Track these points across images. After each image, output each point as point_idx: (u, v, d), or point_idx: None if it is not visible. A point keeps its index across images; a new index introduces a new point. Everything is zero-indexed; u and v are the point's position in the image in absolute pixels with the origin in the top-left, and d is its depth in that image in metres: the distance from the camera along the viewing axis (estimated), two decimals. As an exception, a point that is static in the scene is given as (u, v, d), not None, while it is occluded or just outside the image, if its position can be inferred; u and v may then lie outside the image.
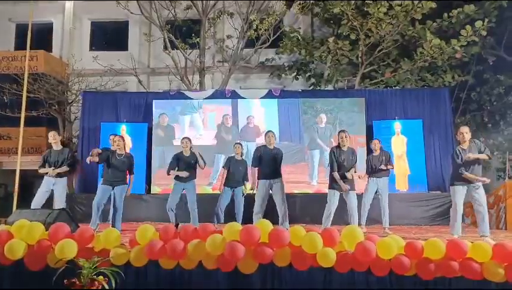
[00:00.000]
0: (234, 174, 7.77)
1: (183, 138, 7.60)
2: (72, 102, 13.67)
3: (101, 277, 3.93)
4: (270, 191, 6.91)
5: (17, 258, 4.46)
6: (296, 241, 4.37)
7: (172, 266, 4.43)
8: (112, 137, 7.50)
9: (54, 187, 7.11)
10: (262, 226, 4.47)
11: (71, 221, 5.43)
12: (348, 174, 6.53)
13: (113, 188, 6.95)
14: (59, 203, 7.05)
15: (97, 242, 4.54)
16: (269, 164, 6.91)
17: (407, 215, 9.02)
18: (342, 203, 6.66)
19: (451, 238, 4.51)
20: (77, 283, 3.84)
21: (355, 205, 6.58)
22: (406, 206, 9.14)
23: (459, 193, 6.04)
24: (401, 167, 9.65)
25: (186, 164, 7.39)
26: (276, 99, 10.35)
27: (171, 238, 4.44)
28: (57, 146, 7.28)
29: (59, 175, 7.12)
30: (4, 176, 14.63)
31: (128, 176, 7.18)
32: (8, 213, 6.12)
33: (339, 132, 6.80)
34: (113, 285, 3.92)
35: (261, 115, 10.31)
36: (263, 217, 6.34)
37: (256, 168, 7.03)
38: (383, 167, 7.57)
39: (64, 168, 7.12)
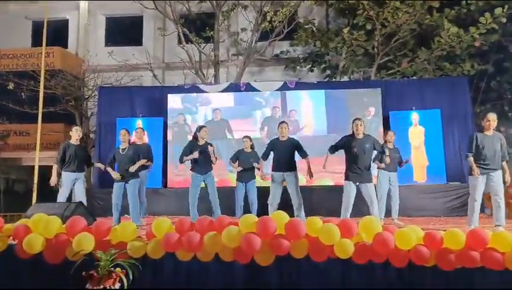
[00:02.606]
0: (245, 168, 7.79)
1: (202, 127, 7.34)
2: (88, 97, 13.83)
3: (118, 269, 3.95)
4: (285, 183, 6.83)
5: (35, 252, 4.51)
6: (313, 232, 4.32)
7: (189, 258, 4.43)
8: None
9: (75, 182, 7.04)
10: (278, 218, 4.43)
11: (88, 214, 5.47)
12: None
13: (125, 184, 6.86)
14: (81, 198, 6.99)
15: (114, 235, 4.55)
16: (281, 156, 6.81)
17: (425, 207, 8.89)
18: (361, 195, 6.50)
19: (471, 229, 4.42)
20: (95, 274, 3.86)
21: (373, 195, 6.33)
22: (425, 197, 9.01)
23: (478, 182, 5.90)
24: (419, 158, 9.51)
25: (200, 153, 7.08)
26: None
27: (187, 230, 4.44)
28: (77, 141, 7.23)
29: (79, 170, 7.09)
30: (24, 172, 14.88)
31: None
32: (28, 208, 6.19)
33: (353, 120, 6.52)
34: (131, 277, 3.94)
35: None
36: (279, 209, 6.27)
37: (264, 161, 7.05)
38: (402, 164, 7.61)
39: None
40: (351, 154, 6.34)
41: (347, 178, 6.39)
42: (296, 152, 6.93)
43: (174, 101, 10.37)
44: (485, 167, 5.87)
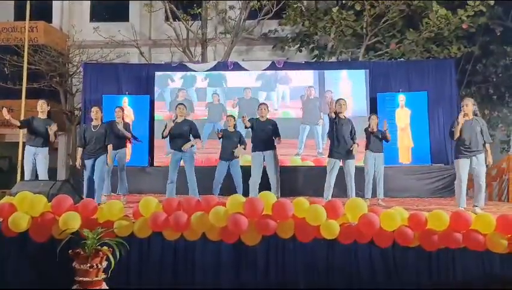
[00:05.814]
0: (228, 147, 7.67)
1: (178, 104, 7.31)
2: (73, 74, 13.55)
3: (105, 247, 3.95)
4: (264, 163, 7.05)
5: (21, 231, 4.48)
6: (300, 213, 4.37)
7: (176, 237, 4.45)
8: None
9: (36, 157, 6.81)
10: (265, 198, 4.46)
11: (74, 193, 5.43)
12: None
13: (94, 160, 6.70)
14: (42, 174, 6.79)
15: (100, 214, 4.54)
16: (260, 136, 7.07)
17: (409, 187, 9.02)
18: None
19: (455, 210, 4.50)
20: (82, 253, 3.86)
21: (353, 173, 6.61)
22: (409, 178, 9.14)
23: (462, 165, 6.01)
24: (404, 140, 9.60)
25: (178, 131, 7.03)
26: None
27: (174, 210, 4.45)
28: (43, 115, 7.03)
29: (40, 145, 6.83)
30: (8, 149, 14.66)
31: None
32: (12, 185, 6.10)
33: (337, 100, 6.69)
34: (118, 255, 3.95)
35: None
36: (262, 190, 6.31)
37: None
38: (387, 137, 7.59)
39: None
40: (335, 134, 6.55)
41: (331, 156, 6.60)
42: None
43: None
44: (466, 151, 5.97)
